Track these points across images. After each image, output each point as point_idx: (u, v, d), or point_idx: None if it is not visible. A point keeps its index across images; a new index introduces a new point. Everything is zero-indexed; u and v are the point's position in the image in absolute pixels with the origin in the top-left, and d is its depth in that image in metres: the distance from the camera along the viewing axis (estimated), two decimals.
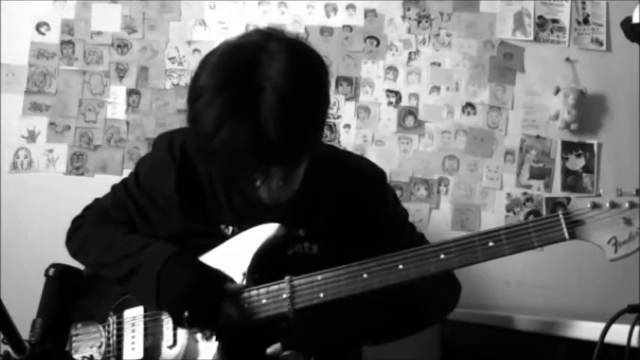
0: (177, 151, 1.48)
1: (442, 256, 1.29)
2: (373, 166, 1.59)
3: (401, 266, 1.30)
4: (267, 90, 1.17)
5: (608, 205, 1.27)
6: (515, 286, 2.26)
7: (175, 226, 1.46)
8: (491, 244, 1.28)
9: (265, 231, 1.39)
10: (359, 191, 1.47)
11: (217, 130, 1.17)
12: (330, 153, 1.52)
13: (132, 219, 1.51)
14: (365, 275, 1.31)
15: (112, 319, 1.47)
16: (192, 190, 1.46)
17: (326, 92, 1.29)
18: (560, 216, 1.27)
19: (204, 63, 1.26)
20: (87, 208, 1.61)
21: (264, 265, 1.38)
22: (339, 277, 1.33)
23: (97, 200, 1.62)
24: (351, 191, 1.46)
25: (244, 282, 1.37)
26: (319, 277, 1.33)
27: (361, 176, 1.51)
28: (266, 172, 1.25)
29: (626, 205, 1.26)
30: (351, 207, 1.45)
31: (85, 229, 1.54)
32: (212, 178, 1.45)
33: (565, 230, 1.27)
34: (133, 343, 1.44)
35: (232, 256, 1.40)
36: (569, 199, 2.30)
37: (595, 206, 1.27)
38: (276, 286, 1.35)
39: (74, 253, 1.54)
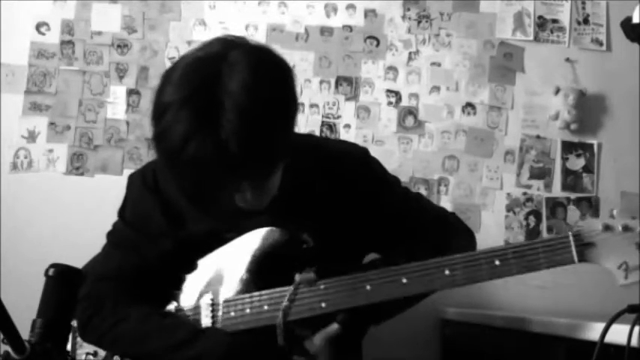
0: (151, 180, 1.47)
1: (447, 272, 1.27)
2: (353, 145, 1.59)
3: (404, 280, 1.29)
4: (227, 106, 1.14)
5: (620, 228, 1.23)
6: (515, 286, 2.25)
7: (173, 250, 1.44)
8: (497, 262, 1.26)
9: (266, 236, 1.38)
10: (345, 174, 1.46)
11: (182, 147, 1.15)
12: (308, 143, 1.50)
13: (140, 261, 1.45)
14: (368, 287, 1.30)
15: None
16: (176, 211, 1.44)
17: (291, 99, 1.25)
18: (570, 237, 1.24)
19: (166, 78, 1.23)
20: (85, 285, 1.33)
21: (266, 270, 1.37)
22: (341, 287, 1.31)
23: (90, 269, 1.46)
24: (337, 176, 1.45)
25: (244, 287, 1.37)
26: (322, 287, 1.32)
27: (343, 158, 1.49)
28: (237, 185, 1.23)
29: None
30: (341, 191, 1.44)
31: (107, 320, 1.41)
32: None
33: (574, 252, 1.23)
34: None
35: (232, 260, 1.40)
36: (569, 199, 2.30)
37: (607, 228, 1.23)
38: (278, 293, 1.35)
39: (97, 343, 1.44)
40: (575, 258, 1.23)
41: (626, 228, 1.23)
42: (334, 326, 1.33)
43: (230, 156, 1.14)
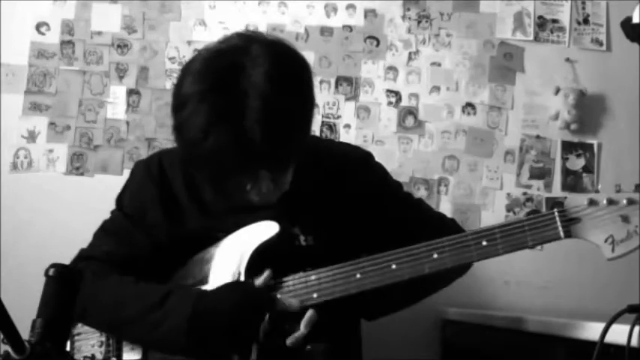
0: (155, 171, 1.46)
1: (435, 255, 1.28)
2: (356, 148, 1.61)
3: (394, 266, 1.30)
4: (251, 95, 1.18)
5: (605, 202, 1.23)
6: (515, 286, 2.25)
7: (166, 244, 1.43)
8: (485, 243, 1.27)
9: (261, 229, 1.38)
10: (348, 176, 1.47)
11: (204, 137, 1.18)
12: (311, 144, 1.50)
13: (131, 250, 1.44)
14: (358, 275, 1.31)
15: None
16: (175, 205, 1.44)
17: (310, 93, 1.29)
18: (556, 214, 1.24)
19: (186, 70, 1.26)
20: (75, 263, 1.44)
21: (261, 264, 1.37)
22: (332, 277, 1.32)
23: (81, 251, 1.49)
24: (340, 178, 1.46)
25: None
26: (313, 277, 1.33)
27: (347, 160, 1.51)
28: (255, 176, 1.25)
29: (624, 201, 1.23)
30: (343, 193, 1.45)
31: (84, 290, 1.35)
32: (199, 187, 1.42)
33: (560, 229, 1.24)
34: None
35: (228, 255, 1.39)
36: None
37: (592, 203, 1.23)
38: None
39: (78, 318, 1.39)
40: (562, 234, 1.24)
41: (610, 202, 1.23)
42: (310, 312, 1.31)
43: (252, 144, 1.17)
